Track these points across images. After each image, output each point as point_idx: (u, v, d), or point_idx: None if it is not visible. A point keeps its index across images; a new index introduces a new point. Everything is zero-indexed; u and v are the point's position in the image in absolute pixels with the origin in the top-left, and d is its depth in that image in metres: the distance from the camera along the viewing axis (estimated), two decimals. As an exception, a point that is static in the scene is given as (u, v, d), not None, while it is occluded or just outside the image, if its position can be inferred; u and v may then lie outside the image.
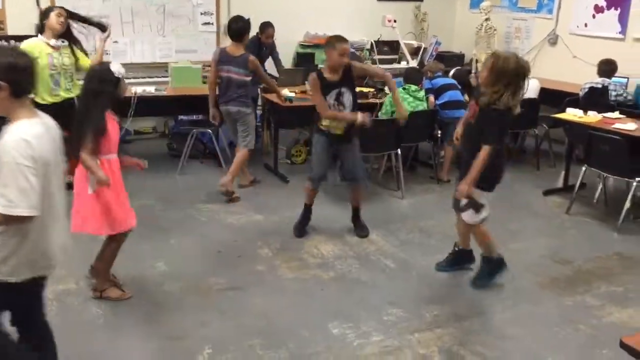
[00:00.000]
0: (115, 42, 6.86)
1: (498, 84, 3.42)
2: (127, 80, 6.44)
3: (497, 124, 3.50)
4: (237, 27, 5.17)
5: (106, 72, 3.26)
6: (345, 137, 4.39)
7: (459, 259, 4.10)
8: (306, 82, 6.26)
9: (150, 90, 5.86)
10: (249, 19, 5.34)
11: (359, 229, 4.65)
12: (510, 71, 3.41)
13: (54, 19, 4.69)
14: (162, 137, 7.12)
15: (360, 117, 4.30)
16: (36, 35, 4.82)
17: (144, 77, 6.70)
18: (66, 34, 4.80)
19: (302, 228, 4.62)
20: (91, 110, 3.22)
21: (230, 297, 3.68)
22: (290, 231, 4.62)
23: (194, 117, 6.59)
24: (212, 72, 5.33)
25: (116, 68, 3.26)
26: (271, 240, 4.47)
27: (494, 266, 3.87)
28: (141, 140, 6.98)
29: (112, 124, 3.33)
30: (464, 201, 3.65)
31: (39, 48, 4.59)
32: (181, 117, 6.66)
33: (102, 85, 3.22)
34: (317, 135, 4.48)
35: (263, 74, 5.53)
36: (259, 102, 6.68)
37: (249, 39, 5.60)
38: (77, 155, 3.21)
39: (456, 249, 4.09)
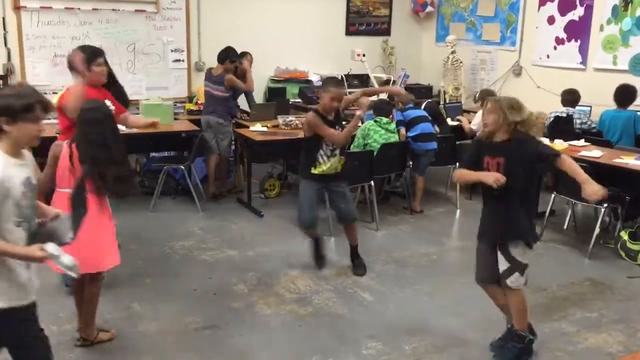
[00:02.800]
0: (85, 80, 6.83)
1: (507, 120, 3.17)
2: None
3: (539, 141, 3.29)
4: (220, 52, 6.20)
5: (105, 107, 3.39)
6: (337, 177, 4.40)
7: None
8: (280, 117, 6.33)
9: (121, 127, 5.80)
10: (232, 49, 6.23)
11: (357, 267, 4.56)
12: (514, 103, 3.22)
13: None
14: (133, 174, 7.04)
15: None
16: None
17: (115, 115, 6.65)
18: None
19: (321, 258, 4.58)
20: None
21: (207, 336, 3.62)
22: (266, 266, 4.59)
23: (166, 153, 6.56)
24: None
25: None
26: (247, 277, 4.43)
27: (525, 347, 3.37)
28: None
29: None
30: (503, 266, 3.25)
31: None
32: (153, 154, 6.62)
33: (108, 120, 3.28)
34: (307, 181, 4.37)
35: (240, 85, 6.25)
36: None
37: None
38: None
39: (509, 326, 3.44)
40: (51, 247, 2.27)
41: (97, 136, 3.14)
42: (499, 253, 3.28)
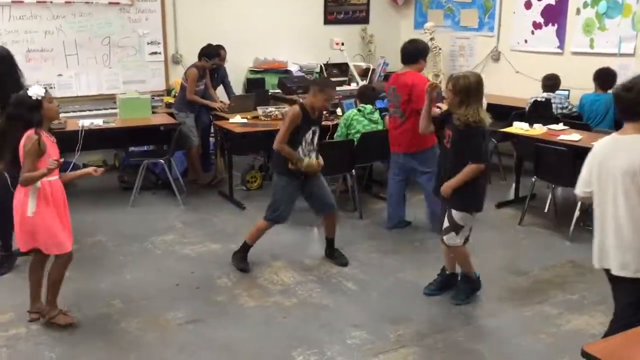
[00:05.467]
0: (60, 75, 6.73)
1: (464, 102, 3.60)
2: (73, 114, 6.36)
3: (479, 140, 3.64)
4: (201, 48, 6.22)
5: (23, 96, 3.34)
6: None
7: (447, 283, 4.06)
8: (259, 108, 6.28)
9: (98, 122, 5.73)
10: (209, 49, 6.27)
11: (339, 258, 4.53)
12: (472, 86, 3.60)
13: None
14: (112, 170, 6.96)
15: (305, 164, 4.21)
16: None
17: (91, 110, 6.57)
18: None
19: (246, 261, 4.44)
20: (6, 134, 3.32)
21: (191, 330, 3.59)
22: (249, 259, 4.56)
23: (145, 147, 6.49)
24: None
25: (34, 91, 3.32)
26: (230, 269, 4.40)
27: (473, 284, 3.98)
28: (91, 174, 6.80)
29: (51, 145, 3.37)
30: (444, 224, 3.78)
31: None
32: (132, 148, 6.54)
33: (17, 109, 3.30)
34: (286, 177, 4.26)
35: (186, 85, 6.16)
36: (212, 130, 6.67)
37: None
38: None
39: (446, 272, 4.07)
40: None
41: None
42: (446, 212, 3.81)
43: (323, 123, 5.87)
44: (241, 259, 4.42)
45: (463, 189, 3.67)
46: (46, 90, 3.43)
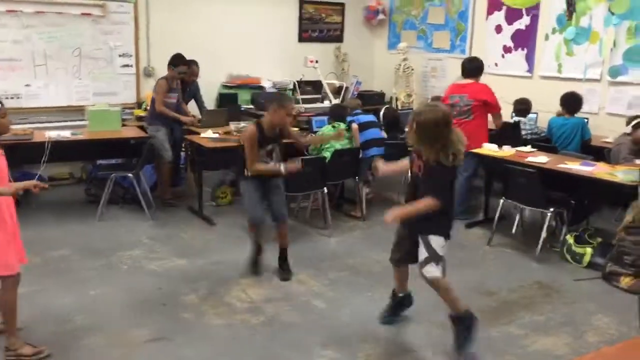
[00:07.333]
0: (28, 85, 6.61)
1: (424, 140, 3.31)
2: (40, 125, 6.26)
3: (440, 178, 3.34)
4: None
5: None
6: (272, 178, 4.50)
7: (401, 305, 3.92)
8: (232, 124, 6.26)
9: (66, 134, 5.63)
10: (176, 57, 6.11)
11: (284, 272, 4.57)
12: (430, 125, 3.25)
13: None
14: (79, 182, 6.84)
15: (283, 169, 4.42)
16: None
17: (59, 121, 6.46)
18: None
19: (256, 265, 4.59)
20: None
21: (156, 348, 3.51)
22: (217, 275, 4.50)
23: (114, 161, 6.39)
24: None
25: None
26: (197, 286, 4.33)
27: (468, 324, 3.46)
28: (57, 187, 6.67)
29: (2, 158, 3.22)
30: (422, 255, 3.41)
31: None
32: (100, 161, 6.43)
33: None
34: (246, 181, 4.48)
35: (155, 97, 6.08)
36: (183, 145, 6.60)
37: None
38: None
39: (399, 295, 3.87)
40: None
41: None
42: (420, 242, 3.46)
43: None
44: (251, 264, 4.60)
45: (438, 214, 3.35)
46: (1, 105, 3.25)
